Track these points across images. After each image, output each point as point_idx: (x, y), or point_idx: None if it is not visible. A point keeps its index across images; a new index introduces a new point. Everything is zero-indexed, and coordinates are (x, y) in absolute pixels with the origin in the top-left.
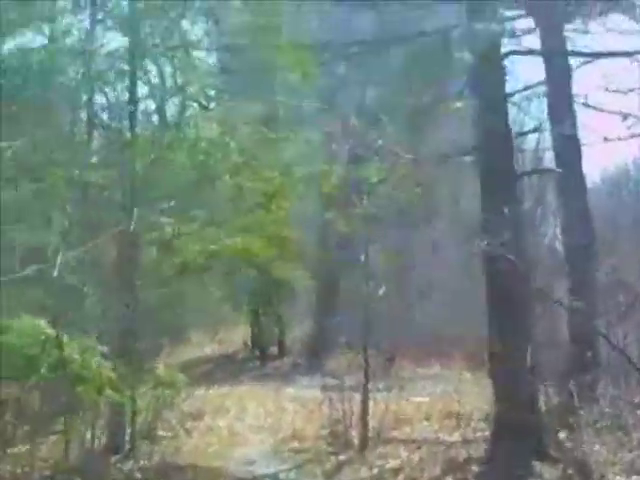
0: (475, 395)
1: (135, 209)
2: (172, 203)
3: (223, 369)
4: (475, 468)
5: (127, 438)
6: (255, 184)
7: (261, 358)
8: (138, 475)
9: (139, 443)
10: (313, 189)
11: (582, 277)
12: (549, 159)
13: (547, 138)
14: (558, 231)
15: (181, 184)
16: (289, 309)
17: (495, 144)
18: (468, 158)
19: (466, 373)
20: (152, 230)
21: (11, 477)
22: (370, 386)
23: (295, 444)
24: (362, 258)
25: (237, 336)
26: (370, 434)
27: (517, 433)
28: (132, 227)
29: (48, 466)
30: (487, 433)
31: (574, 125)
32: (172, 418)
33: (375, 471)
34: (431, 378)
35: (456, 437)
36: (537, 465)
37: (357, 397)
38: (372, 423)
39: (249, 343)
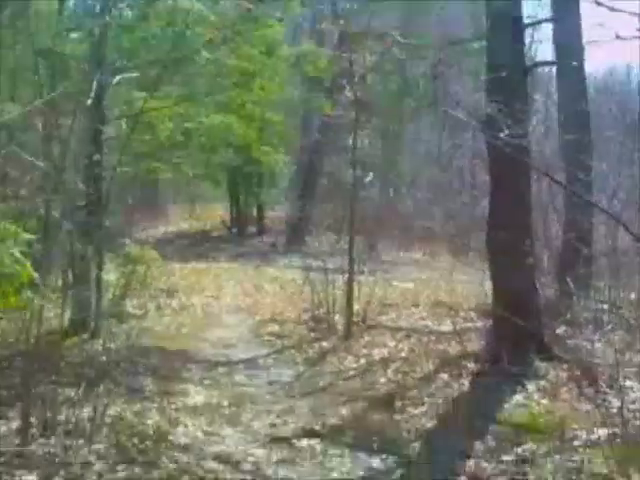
0: (462, 283)
1: (98, 75)
2: (144, 75)
3: (199, 245)
4: (471, 365)
5: (92, 316)
6: (235, 62)
7: (239, 236)
8: (102, 358)
9: (106, 322)
10: (298, 71)
11: (578, 170)
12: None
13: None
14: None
15: (155, 57)
16: (269, 190)
17: (506, 30)
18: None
19: (450, 260)
20: (123, 103)
21: None
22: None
23: (275, 327)
24: (350, 142)
25: (215, 214)
26: (354, 320)
27: (517, 328)
28: (92, 96)
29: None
30: (478, 324)
31: (579, 18)
32: (143, 295)
33: (362, 361)
34: (415, 264)
35: (446, 327)
36: (540, 365)
37: (339, 280)
38: (356, 307)
39: (227, 221)
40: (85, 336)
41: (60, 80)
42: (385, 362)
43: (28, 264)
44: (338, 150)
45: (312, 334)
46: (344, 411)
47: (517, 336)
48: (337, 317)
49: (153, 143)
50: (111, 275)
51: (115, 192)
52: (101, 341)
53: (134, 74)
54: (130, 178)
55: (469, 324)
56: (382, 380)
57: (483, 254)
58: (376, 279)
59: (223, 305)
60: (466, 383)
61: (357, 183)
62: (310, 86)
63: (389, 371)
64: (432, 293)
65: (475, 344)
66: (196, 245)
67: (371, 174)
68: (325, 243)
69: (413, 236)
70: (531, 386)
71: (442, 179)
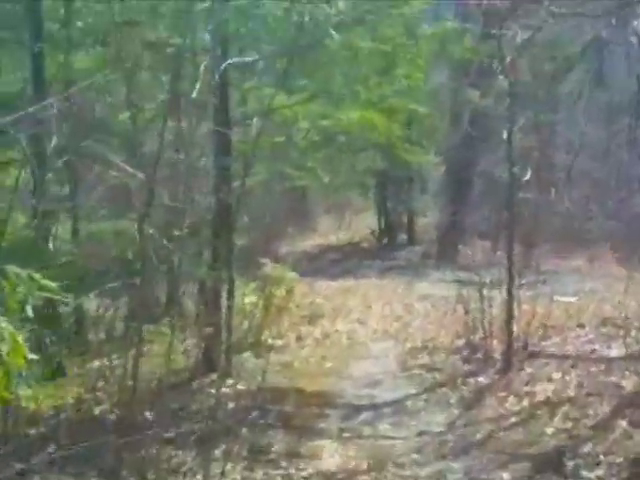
0: (629, 295)
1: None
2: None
3: (347, 259)
4: None
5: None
6: (371, 45)
7: (389, 247)
8: (230, 404)
9: (240, 357)
10: (443, 53)
11: None
12: None
13: None
14: None
15: (279, 44)
16: (420, 194)
17: None
18: None
19: (615, 267)
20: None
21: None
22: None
23: (425, 358)
24: (505, 136)
25: (364, 223)
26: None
27: None
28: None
29: (113, 393)
30: None
31: None
32: (283, 323)
33: (525, 403)
34: (575, 272)
35: (616, 350)
36: None
37: (496, 296)
38: (515, 329)
39: (377, 231)
40: (214, 376)
41: (176, 77)
42: (551, 404)
43: (21, 342)
44: (491, 146)
45: (466, 366)
46: (506, 477)
47: None
48: (495, 343)
49: (286, 146)
50: (247, 300)
51: (252, 204)
52: (232, 381)
53: (248, 59)
54: (270, 188)
55: None
56: (549, 430)
57: None
58: (536, 293)
59: (370, 331)
60: None
61: (514, 183)
62: (456, 73)
63: (556, 418)
64: (597, 308)
65: None
66: (344, 259)
67: (529, 172)
68: (480, 252)
69: (572, 240)
70: None
71: (600, 174)
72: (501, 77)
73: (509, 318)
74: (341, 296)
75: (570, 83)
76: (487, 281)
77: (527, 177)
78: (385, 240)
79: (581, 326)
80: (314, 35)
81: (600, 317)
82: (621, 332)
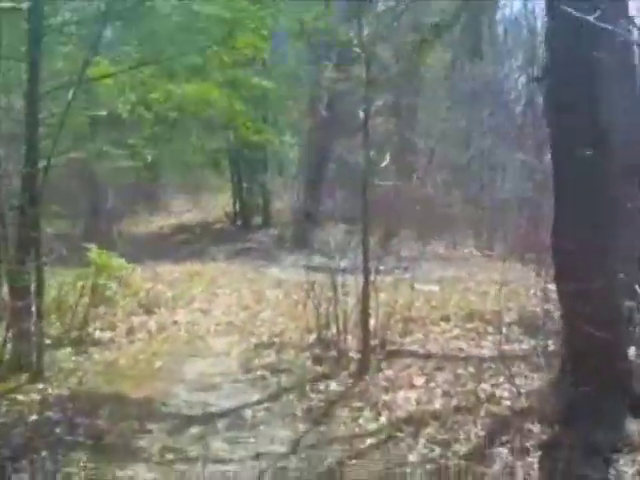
0: (493, 283)
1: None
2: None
3: (198, 241)
4: (535, 427)
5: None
6: (210, 9)
7: (243, 228)
8: (33, 416)
9: (58, 355)
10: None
11: None
12: None
13: None
14: None
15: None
16: (277, 176)
17: None
18: None
19: (476, 254)
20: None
21: None
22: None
23: (271, 357)
24: (361, 117)
25: (220, 204)
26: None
27: (598, 372)
28: None
29: None
30: (525, 346)
31: None
32: (115, 314)
33: (382, 419)
34: (437, 259)
35: (486, 350)
36: (634, 429)
37: (351, 283)
38: (372, 322)
39: (231, 212)
40: (24, 377)
41: None
42: (414, 421)
43: None
44: (349, 130)
45: (317, 367)
46: None
47: (599, 385)
48: (350, 339)
49: (109, 121)
50: (68, 290)
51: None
52: (42, 385)
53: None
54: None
55: (515, 346)
56: (412, 458)
57: (512, 247)
58: (395, 281)
59: (213, 323)
60: (534, 464)
61: (371, 168)
62: (315, 51)
63: (421, 440)
64: (462, 299)
65: (529, 381)
66: (194, 241)
67: (387, 157)
68: (336, 236)
69: (433, 226)
70: (627, 467)
71: (461, 160)
72: (358, 50)
73: (365, 310)
74: (185, 282)
75: (438, 63)
76: (341, 267)
77: (385, 162)
78: (239, 222)
79: (446, 320)
80: None
81: (466, 309)
82: (490, 328)
